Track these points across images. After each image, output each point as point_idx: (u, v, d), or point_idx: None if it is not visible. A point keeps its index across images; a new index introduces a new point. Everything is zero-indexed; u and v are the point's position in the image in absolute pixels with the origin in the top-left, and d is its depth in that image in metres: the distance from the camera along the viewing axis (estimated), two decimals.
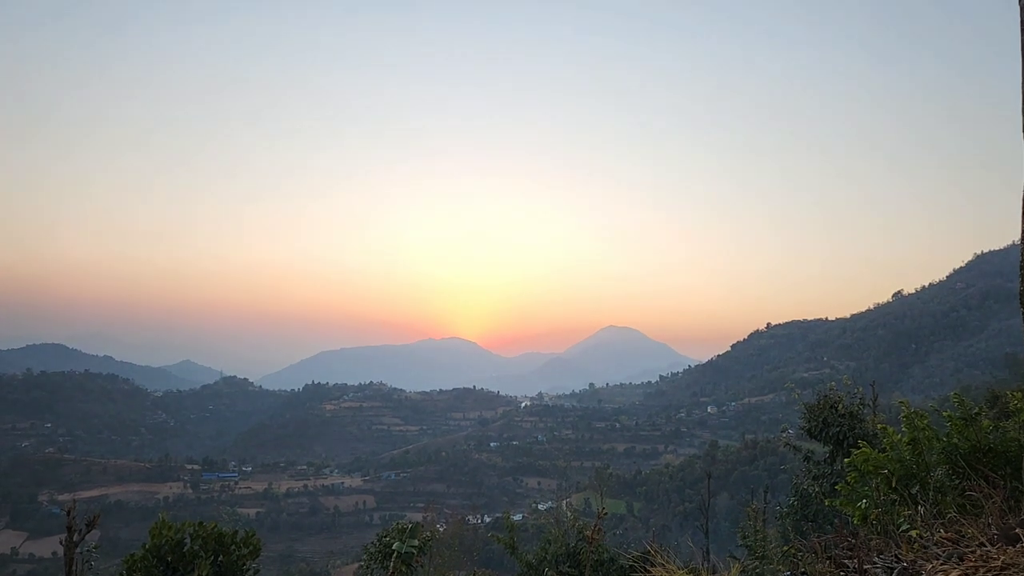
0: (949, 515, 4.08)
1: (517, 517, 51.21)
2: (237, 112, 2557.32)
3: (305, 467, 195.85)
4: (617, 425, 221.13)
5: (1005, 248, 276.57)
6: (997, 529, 3.11)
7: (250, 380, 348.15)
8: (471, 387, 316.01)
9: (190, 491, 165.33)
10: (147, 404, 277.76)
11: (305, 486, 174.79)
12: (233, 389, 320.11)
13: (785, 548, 9.65)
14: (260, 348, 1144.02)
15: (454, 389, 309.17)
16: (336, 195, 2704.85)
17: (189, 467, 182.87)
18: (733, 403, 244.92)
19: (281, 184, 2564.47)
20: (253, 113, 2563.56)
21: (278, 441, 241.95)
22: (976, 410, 6.70)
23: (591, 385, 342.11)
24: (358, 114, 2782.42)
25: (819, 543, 4.00)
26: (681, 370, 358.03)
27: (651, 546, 4.28)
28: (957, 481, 5.92)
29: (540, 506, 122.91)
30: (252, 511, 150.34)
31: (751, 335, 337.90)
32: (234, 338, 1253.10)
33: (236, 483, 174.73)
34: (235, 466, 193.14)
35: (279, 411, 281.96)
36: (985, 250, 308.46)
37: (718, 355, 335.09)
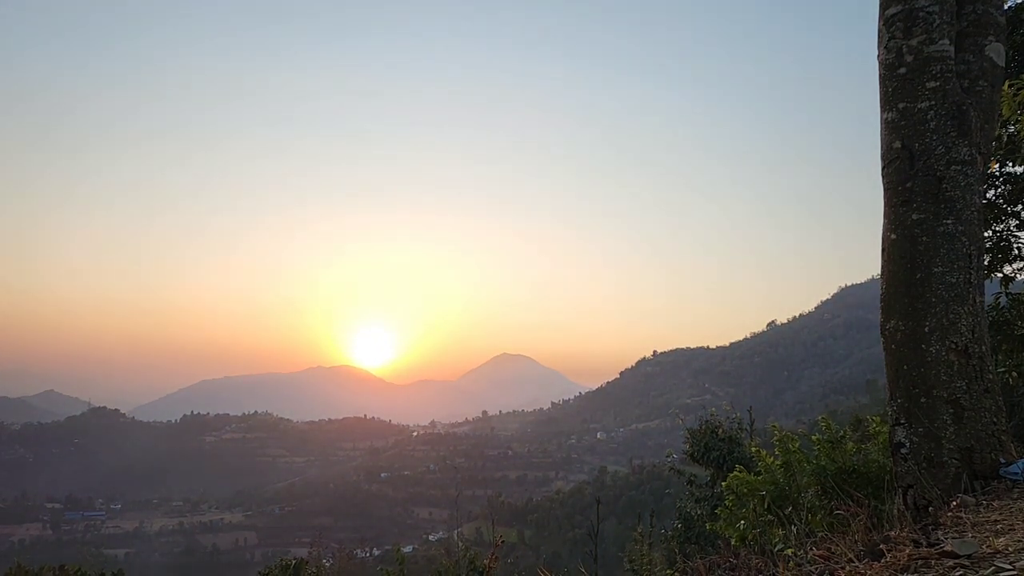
0: (820, 534, 4.34)
1: (408, 549, 50.21)
2: (121, 130, 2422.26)
3: (181, 503, 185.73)
4: (509, 452, 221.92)
5: (866, 282, 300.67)
6: (863, 546, 3.33)
7: (122, 411, 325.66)
8: (361, 416, 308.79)
9: (50, 532, 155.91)
10: (2, 438, 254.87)
11: (180, 524, 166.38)
12: (102, 421, 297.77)
13: (670, 571, 9.93)
14: (134, 377, 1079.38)
15: (344, 418, 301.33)
16: (224, 219, 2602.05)
17: (49, 506, 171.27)
18: (621, 429, 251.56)
19: (163, 203, 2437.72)
20: (134, 130, 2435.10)
21: (151, 476, 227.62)
22: (841, 433, 7.22)
23: (484, 412, 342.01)
24: (248, 137, 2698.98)
25: (703, 565, 4.15)
26: (572, 397, 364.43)
27: (542, 574, 4.32)
28: (826, 501, 6.32)
29: (431, 537, 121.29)
30: (120, 552, 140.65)
31: (638, 362, 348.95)
32: (105, 366, 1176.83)
33: (103, 522, 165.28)
34: (102, 504, 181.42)
35: (153, 444, 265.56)
36: (849, 283, 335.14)
37: (607, 382, 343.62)
